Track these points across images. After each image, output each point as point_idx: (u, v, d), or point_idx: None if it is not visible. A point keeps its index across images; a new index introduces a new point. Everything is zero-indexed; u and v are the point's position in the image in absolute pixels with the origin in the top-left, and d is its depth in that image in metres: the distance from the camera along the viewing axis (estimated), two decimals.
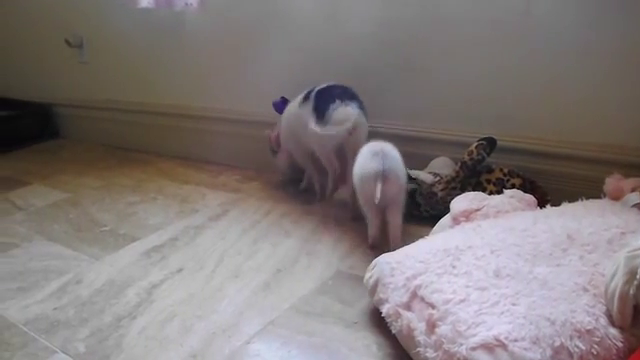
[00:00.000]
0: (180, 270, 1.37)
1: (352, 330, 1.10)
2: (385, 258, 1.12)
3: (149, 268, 1.40)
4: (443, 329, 0.89)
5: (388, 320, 1.03)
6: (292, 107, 1.76)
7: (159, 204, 1.83)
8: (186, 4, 2.05)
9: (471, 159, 1.50)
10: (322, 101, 1.58)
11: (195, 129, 2.26)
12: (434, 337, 0.90)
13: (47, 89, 2.94)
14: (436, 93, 1.68)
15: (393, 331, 1.01)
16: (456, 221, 1.25)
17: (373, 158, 1.36)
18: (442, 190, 1.53)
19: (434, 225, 1.36)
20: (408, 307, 0.99)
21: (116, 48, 2.51)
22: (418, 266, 1.04)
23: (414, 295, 0.99)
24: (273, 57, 1.97)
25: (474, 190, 1.47)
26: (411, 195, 1.55)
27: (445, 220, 1.30)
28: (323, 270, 1.33)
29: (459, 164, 1.52)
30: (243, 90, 2.09)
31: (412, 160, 1.61)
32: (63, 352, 1.09)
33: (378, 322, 1.10)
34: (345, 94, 1.57)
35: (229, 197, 1.83)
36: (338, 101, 1.54)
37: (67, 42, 2.66)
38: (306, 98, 1.66)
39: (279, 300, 1.21)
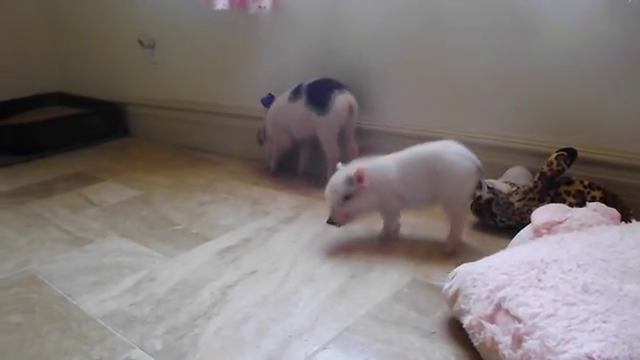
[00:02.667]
0: (254, 272, 1.37)
1: (430, 340, 1.08)
2: (466, 268, 1.10)
3: (223, 268, 1.40)
4: (530, 344, 0.87)
5: (470, 332, 1.01)
6: (280, 102, 2.01)
7: (230, 205, 1.83)
8: (260, 7, 2.06)
9: (550, 170, 1.46)
10: (318, 94, 1.85)
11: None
12: (520, 352, 0.88)
13: (119, 88, 2.99)
14: (515, 101, 1.64)
15: (475, 343, 0.99)
16: (537, 233, 1.22)
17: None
18: (519, 200, 1.50)
19: (510, 236, 1.33)
20: (492, 319, 0.97)
21: (188, 49, 2.54)
22: (502, 278, 1.01)
23: (498, 307, 0.97)
24: (348, 60, 1.96)
25: (552, 202, 1.44)
26: (487, 205, 1.52)
27: (525, 232, 1.26)
28: (398, 278, 1.31)
29: (538, 174, 1.49)
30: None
31: (486, 169, 1.59)
32: (140, 348, 1.10)
33: (456, 333, 1.08)
34: (338, 85, 1.84)
35: (300, 200, 1.83)
36: (336, 91, 1.82)
37: (140, 43, 2.70)
38: (296, 93, 1.92)
39: (355, 306, 1.20)
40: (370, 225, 1.59)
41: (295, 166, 2.14)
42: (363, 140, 1.93)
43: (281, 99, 2.01)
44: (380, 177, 1.44)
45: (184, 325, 1.17)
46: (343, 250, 1.46)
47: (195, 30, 2.46)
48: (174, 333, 1.14)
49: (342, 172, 1.46)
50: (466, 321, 1.02)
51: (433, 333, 1.10)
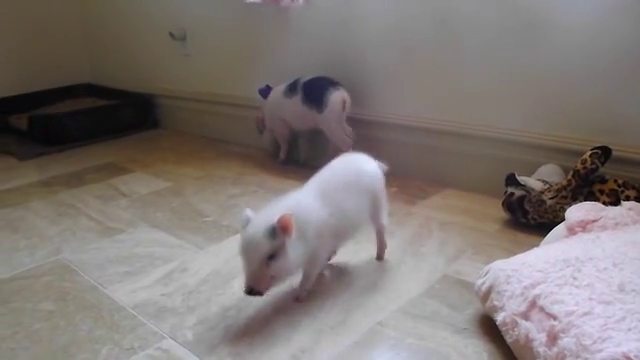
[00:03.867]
0: None
1: (462, 336, 1.07)
2: (499, 265, 1.09)
3: None
4: (566, 342, 0.86)
5: (503, 329, 1.00)
6: (276, 96, 2.13)
7: (260, 197, 1.84)
8: (292, 0, 2.06)
9: (584, 168, 1.44)
10: (315, 92, 1.97)
11: None
12: (556, 349, 0.87)
13: (148, 80, 3.01)
14: (548, 98, 1.62)
15: (508, 340, 0.98)
16: (571, 231, 1.20)
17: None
18: (552, 198, 1.48)
19: (541, 233, 1.32)
20: (526, 316, 0.96)
21: (218, 42, 2.54)
22: (536, 275, 1.00)
23: (533, 305, 0.96)
24: (382, 55, 1.96)
25: (585, 200, 1.42)
26: (519, 202, 1.51)
27: (559, 229, 1.25)
28: (429, 273, 1.31)
29: (571, 172, 1.47)
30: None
31: (518, 166, 1.58)
32: (171, 338, 1.11)
33: (488, 329, 1.07)
34: (332, 82, 1.96)
35: None
36: (331, 88, 1.94)
37: (171, 35, 2.71)
38: (292, 89, 2.05)
39: (386, 301, 1.20)
40: (400, 218, 1.59)
41: (297, 156, 2.25)
42: (382, 132, 1.95)
43: (276, 92, 2.14)
44: (306, 218, 1.15)
45: (215, 316, 1.17)
46: (374, 243, 1.45)
47: (225, 23, 2.47)
48: (205, 324, 1.15)
49: (258, 222, 1.11)
50: (499, 318, 1.01)
51: (465, 329, 1.09)
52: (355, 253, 1.41)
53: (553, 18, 1.56)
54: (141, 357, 1.06)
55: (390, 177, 1.86)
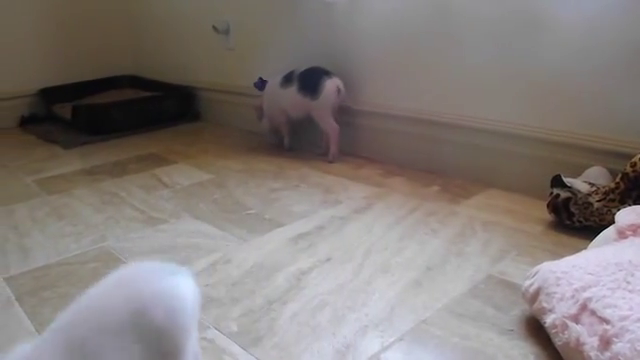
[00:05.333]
0: (328, 259, 1.37)
1: (507, 337, 1.06)
2: (549, 266, 1.08)
3: (297, 254, 1.41)
4: (620, 347, 0.84)
5: (552, 331, 0.99)
6: (273, 86, 2.28)
7: (302, 192, 1.84)
8: None
9: (634, 171, 1.42)
10: (310, 81, 2.11)
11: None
12: (608, 354, 0.85)
13: (191, 73, 3.03)
14: (597, 100, 1.60)
15: (558, 343, 0.97)
16: (622, 235, 1.18)
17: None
18: (599, 201, 1.46)
19: (586, 236, 1.31)
20: (576, 320, 0.94)
21: (262, 36, 2.55)
22: (588, 278, 0.99)
23: (584, 308, 0.94)
24: (432, 51, 1.95)
25: (635, 204, 1.39)
26: (565, 204, 1.49)
27: (609, 232, 1.23)
28: (473, 273, 1.29)
29: (620, 175, 1.45)
30: (390, 83, 2.07)
31: (563, 168, 1.56)
32: (216, 329, 1.11)
33: (535, 332, 1.06)
34: (326, 72, 2.10)
35: (372, 191, 1.82)
36: (325, 77, 2.08)
37: (214, 28, 2.73)
38: (287, 80, 2.19)
39: (431, 299, 1.19)
40: (443, 217, 1.58)
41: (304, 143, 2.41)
42: (419, 129, 1.92)
43: (272, 84, 2.29)
44: None
45: (260, 308, 1.17)
46: (417, 242, 1.44)
47: (270, 16, 2.47)
48: (250, 316, 1.15)
49: None
50: (548, 320, 1.00)
51: (511, 331, 1.08)
52: (399, 251, 1.41)
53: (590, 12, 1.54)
54: None
55: (431, 176, 1.87)
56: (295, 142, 2.40)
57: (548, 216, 1.55)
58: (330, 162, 2.16)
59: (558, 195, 1.51)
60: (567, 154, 1.63)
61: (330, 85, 2.08)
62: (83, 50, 3.35)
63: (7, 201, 1.89)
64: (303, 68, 2.17)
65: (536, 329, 1.06)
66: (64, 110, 2.95)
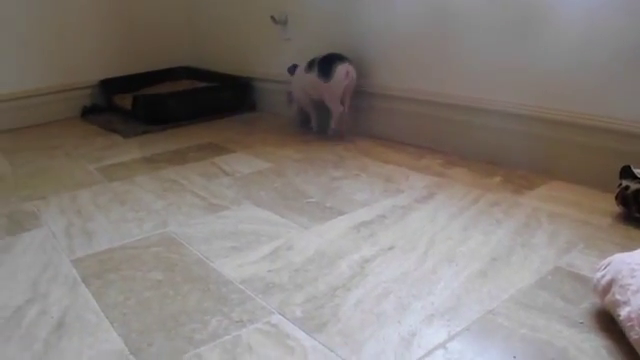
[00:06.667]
0: (391, 248, 1.36)
1: (577, 330, 1.03)
2: (622, 258, 1.04)
3: (359, 242, 1.39)
4: None
5: (628, 324, 0.95)
6: (300, 72, 2.46)
7: (363, 181, 1.82)
8: None
9: None
10: (326, 65, 2.27)
11: (394, 110, 2.25)
12: None
13: (247, 64, 3.04)
14: None
15: (634, 336, 0.93)
16: None
17: None
18: None
19: None
20: None
21: (320, 26, 2.54)
22: None
23: None
24: (478, 39, 1.91)
25: None
26: (635, 196, 1.45)
27: None
28: (540, 264, 1.26)
29: None
30: (443, 71, 2.05)
31: (631, 159, 1.51)
32: (280, 314, 1.11)
33: (606, 325, 1.03)
34: (340, 57, 2.27)
35: (433, 180, 1.79)
36: (338, 62, 2.24)
37: (272, 19, 2.73)
38: (310, 66, 2.36)
39: (497, 290, 1.16)
40: (507, 208, 1.55)
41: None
42: (481, 118, 1.89)
43: (300, 69, 2.47)
44: None
45: (323, 295, 1.17)
46: (481, 233, 1.42)
47: (329, 7, 2.46)
48: (314, 302, 1.14)
49: None
50: (623, 313, 0.97)
51: (581, 323, 1.05)
52: (463, 241, 1.38)
53: None
54: (250, 330, 1.07)
55: (493, 166, 1.84)
56: (323, 125, 2.47)
57: (616, 208, 1.51)
58: (330, 135, 2.37)
59: (627, 187, 1.47)
60: (635, 145, 1.58)
61: (341, 69, 2.23)
62: (142, 42, 3.40)
63: (71, 187, 1.93)
64: (323, 54, 2.32)
65: (607, 322, 1.03)
66: (124, 100, 3.00)
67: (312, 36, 2.60)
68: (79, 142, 2.58)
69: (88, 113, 3.14)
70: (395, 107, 2.24)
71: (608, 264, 1.07)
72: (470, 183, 1.75)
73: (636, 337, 0.93)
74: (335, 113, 2.32)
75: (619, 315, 0.98)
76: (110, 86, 3.20)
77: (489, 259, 1.29)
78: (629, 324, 0.95)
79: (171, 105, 2.80)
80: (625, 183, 1.47)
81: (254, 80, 3.00)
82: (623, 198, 1.48)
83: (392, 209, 1.58)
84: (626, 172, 1.48)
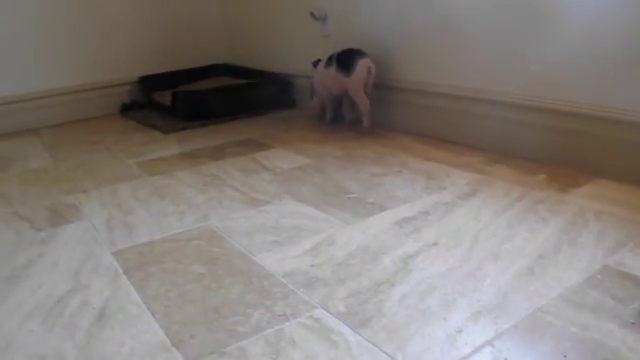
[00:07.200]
0: (435, 244, 1.34)
1: (630, 331, 1.00)
2: None
3: (402, 238, 1.38)
4: None
5: None
6: (320, 67, 2.55)
7: (404, 178, 1.80)
8: None
9: None
10: (346, 60, 2.35)
11: (433, 106, 2.22)
12: None
13: (286, 60, 3.03)
14: None
15: None
16: None
17: None
18: None
19: None
20: None
21: (361, 23, 2.53)
22: None
23: None
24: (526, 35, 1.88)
25: None
26: None
27: None
28: (588, 263, 1.23)
29: None
30: (491, 67, 2.01)
31: None
32: (323, 308, 1.10)
33: None
34: (359, 52, 2.35)
35: (475, 178, 1.76)
36: (358, 57, 2.32)
37: (312, 15, 2.72)
38: (329, 61, 2.45)
39: (545, 287, 1.14)
40: (552, 205, 1.52)
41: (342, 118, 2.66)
42: (524, 116, 1.85)
43: (321, 64, 2.55)
44: None
45: (367, 290, 1.15)
46: (527, 230, 1.39)
47: (369, 4, 2.44)
48: (357, 297, 1.13)
49: None
50: None
51: (632, 324, 1.02)
52: (508, 238, 1.36)
53: None
54: (294, 324, 1.06)
55: (535, 164, 1.81)
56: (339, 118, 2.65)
57: None
58: (363, 131, 2.40)
59: None
60: None
61: (362, 64, 2.31)
62: (180, 40, 3.43)
63: (111, 181, 1.95)
64: (340, 50, 2.42)
65: None
66: (163, 97, 3.02)
67: (352, 32, 2.58)
68: (119, 137, 2.60)
69: (127, 109, 3.17)
70: (434, 104, 2.22)
71: None
72: (513, 181, 1.72)
73: None
74: (364, 106, 2.37)
75: None
76: (149, 83, 3.23)
77: (536, 256, 1.26)
78: None
79: (210, 101, 2.81)
80: None
81: (293, 77, 3.00)
82: None
83: (435, 206, 1.56)
84: None
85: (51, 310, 1.17)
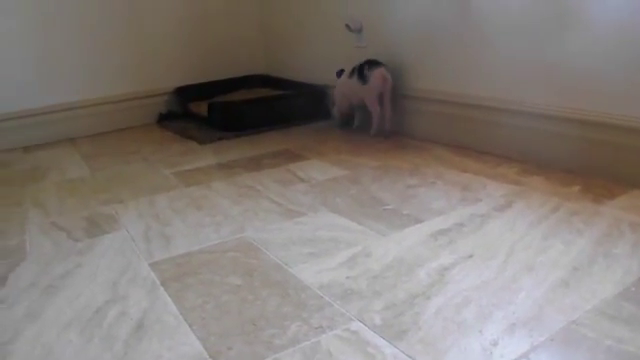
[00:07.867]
0: (470, 256, 1.34)
1: None
2: None
3: (437, 250, 1.38)
4: None
5: None
6: (343, 78, 2.68)
7: (439, 189, 1.81)
8: None
9: None
10: (363, 71, 2.49)
11: (469, 118, 2.22)
12: None
13: (323, 72, 3.05)
14: None
15: None
16: None
17: None
18: None
19: None
20: None
21: (396, 35, 2.53)
22: None
23: None
24: (560, 46, 1.87)
25: None
26: None
27: None
28: (623, 275, 1.23)
29: None
30: (524, 78, 2.01)
31: None
32: (359, 321, 1.11)
33: None
34: (377, 63, 2.47)
35: (511, 189, 1.76)
36: (374, 67, 2.45)
37: (347, 27, 2.74)
38: (352, 72, 2.58)
39: (580, 300, 1.14)
40: (587, 217, 1.51)
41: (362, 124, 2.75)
42: (560, 127, 1.84)
43: (344, 75, 2.68)
44: None
45: (402, 302, 1.16)
46: (562, 242, 1.39)
47: (406, 15, 2.45)
48: (393, 309, 1.14)
49: None
50: None
51: None
52: (543, 250, 1.36)
53: None
54: (330, 337, 1.07)
55: (570, 175, 1.81)
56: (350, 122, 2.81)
57: None
58: (372, 137, 2.55)
59: None
60: None
61: (377, 74, 2.43)
62: (216, 50, 3.47)
63: (148, 192, 1.98)
64: (363, 60, 2.53)
65: None
66: (199, 108, 3.06)
67: (386, 43, 2.59)
68: (156, 148, 2.64)
69: (164, 120, 3.22)
70: (468, 114, 2.22)
71: None
72: (548, 192, 1.72)
73: None
74: (375, 114, 2.51)
75: None
76: (185, 93, 3.26)
77: (570, 269, 1.26)
78: None
79: (246, 112, 2.83)
80: None
81: (329, 88, 3.01)
82: None
83: (470, 217, 1.57)
84: None
85: (89, 321, 1.19)
